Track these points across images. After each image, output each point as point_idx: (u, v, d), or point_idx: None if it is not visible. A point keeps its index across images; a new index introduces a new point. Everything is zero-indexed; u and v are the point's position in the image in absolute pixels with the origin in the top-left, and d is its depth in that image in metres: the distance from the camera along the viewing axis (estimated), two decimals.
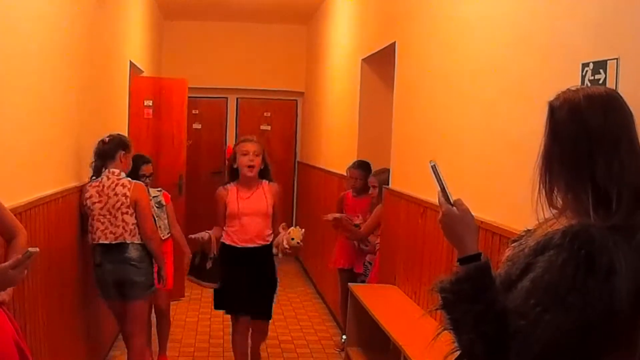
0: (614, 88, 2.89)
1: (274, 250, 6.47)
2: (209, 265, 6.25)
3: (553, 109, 2.49)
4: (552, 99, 2.50)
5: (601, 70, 3.00)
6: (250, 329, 6.49)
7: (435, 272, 4.93)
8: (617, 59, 2.92)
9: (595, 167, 2.35)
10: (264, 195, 6.34)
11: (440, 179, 2.60)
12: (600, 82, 2.98)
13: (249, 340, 6.54)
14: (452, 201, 2.54)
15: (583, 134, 2.38)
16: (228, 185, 6.37)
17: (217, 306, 6.46)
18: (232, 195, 6.30)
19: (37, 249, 3.14)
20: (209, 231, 6.24)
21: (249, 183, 6.30)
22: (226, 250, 6.30)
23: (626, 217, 2.31)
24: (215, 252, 6.25)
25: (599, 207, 2.32)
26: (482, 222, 4.32)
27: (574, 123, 2.42)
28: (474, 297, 2.38)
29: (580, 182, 2.38)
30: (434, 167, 2.63)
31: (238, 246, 6.28)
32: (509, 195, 4.02)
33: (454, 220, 2.52)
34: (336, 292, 8.45)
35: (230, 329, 6.60)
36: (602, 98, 2.43)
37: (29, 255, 3.04)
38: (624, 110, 2.42)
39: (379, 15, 7.56)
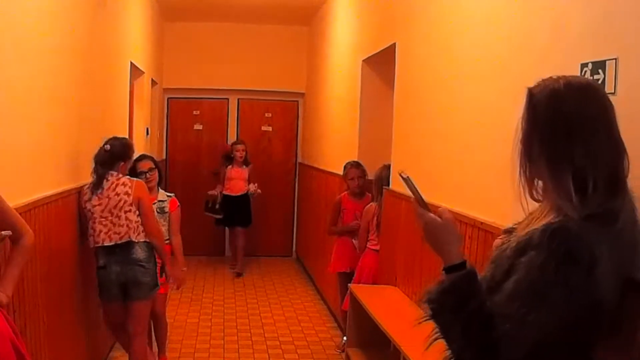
0: (613, 88, 2.89)
1: (251, 191, 12.04)
2: (217, 206, 12.07)
3: (532, 95, 2.52)
4: (532, 85, 2.53)
5: (600, 71, 2.99)
6: (240, 235, 12.29)
7: (436, 273, 4.92)
8: (615, 59, 2.92)
9: (573, 153, 2.38)
10: (245, 171, 12.16)
11: (415, 189, 2.60)
12: (599, 82, 2.97)
13: (239, 242, 12.32)
14: (429, 209, 2.55)
15: (561, 120, 2.42)
16: (228, 166, 12.12)
17: (218, 224, 12.46)
18: (229, 169, 12.10)
19: (10, 232, 3.29)
20: (216, 189, 12.19)
21: (238, 165, 12.11)
22: (226, 196, 12.09)
23: (603, 202, 2.34)
24: (219, 200, 12.07)
25: (577, 192, 2.34)
26: (482, 222, 4.33)
27: (552, 109, 2.45)
28: (460, 306, 2.40)
29: (560, 168, 2.41)
30: (407, 179, 2.63)
31: (232, 194, 12.08)
32: (510, 195, 4.02)
33: (437, 229, 2.52)
34: (336, 295, 8.47)
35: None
36: (581, 86, 2.47)
37: (1, 238, 3.09)
38: (603, 100, 2.46)
39: (380, 16, 7.56)
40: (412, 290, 5.89)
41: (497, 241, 2.84)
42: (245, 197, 12.14)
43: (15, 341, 3.39)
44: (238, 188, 12.06)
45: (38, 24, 4.70)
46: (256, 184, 12.02)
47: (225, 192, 12.10)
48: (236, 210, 12.09)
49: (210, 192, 12.22)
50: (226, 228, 12.86)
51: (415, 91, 6.06)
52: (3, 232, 3.20)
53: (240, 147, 12.10)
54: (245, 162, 12.17)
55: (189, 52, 13.29)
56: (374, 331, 5.52)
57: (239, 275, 11.94)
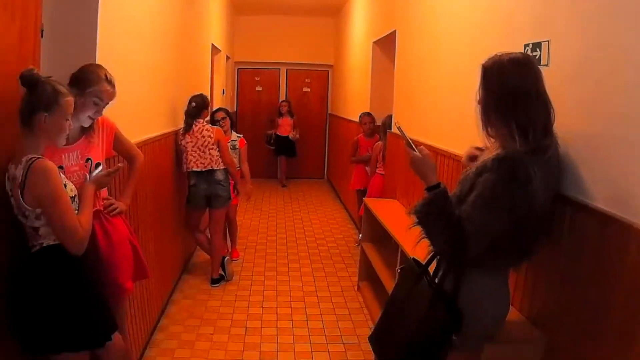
0: (547, 61, 2.87)
1: (291, 137, 12.54)
2: (271, 141, 12.69)
3: (485, 69, 2.54)
4: (484, 61, 2.55)
5: (537, 49, 2.97)
6: (286, 162, 13.14)
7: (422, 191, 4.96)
8: (548, 41, 2.89)
9: (517, 112, 2.41)
10: (291, 120, 12.57)
11: (404, 135, 2.66)
12: (537, 57, 2.95)
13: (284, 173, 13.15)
14: (415, 148, 2.59)
15: (506, 90, 2.44)
16: (279, 117, 12.51)
17: (275, 154, 12.99)
18: (280, 119, 12.53)
19: (123, 165, 3.34)
20: (272, 130, 12.76)
21: (284, 115, 12.48)
22: (278, 136, 12.55)
23: (538, 142, 2.39)
24: (273, 138, 12.65)
25: (520, 136, 2.39)
26: (455, 155, 4.33)
27: (499, 81, 2.47)
28: (438, 213, 2.44)
29: (507, 121, 2.44)
30: (399, 128, 2.71)
31: (281, 135, 12.55)
32: (475, 135, 4.02)
33: (419, 162, 2.56)
34: (355, 205, 8.53)
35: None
36: (520, 61, 2.48)
37: (117, 169, 3.16)
38: (535, 70, 2.47)
39: (384, 10, 7.47)
40: (407, 202, 5.92)
41: (464, 156, 2.97)
42: (289, 138, 12.70)
43: (132, 239, 3.47)
44: (285, 131, 12.62)
45: (148, 17, 4.70)
46: (296, 131, 12.70)
47: (277, 133, 12.66)
48: (285, 146, 12.73)
49: (268, 132, 12.98)
50: (278, 158, 13.26)
51: (410, 63, 6.01)
52: (119, 165, 3.25)
53: (284, 103, 12.70)
54: (290, 113, 12.66)
55: (253, 36, 13.24)
56: (381, 230, 5.57)
57: (284, 186, 12.90)
